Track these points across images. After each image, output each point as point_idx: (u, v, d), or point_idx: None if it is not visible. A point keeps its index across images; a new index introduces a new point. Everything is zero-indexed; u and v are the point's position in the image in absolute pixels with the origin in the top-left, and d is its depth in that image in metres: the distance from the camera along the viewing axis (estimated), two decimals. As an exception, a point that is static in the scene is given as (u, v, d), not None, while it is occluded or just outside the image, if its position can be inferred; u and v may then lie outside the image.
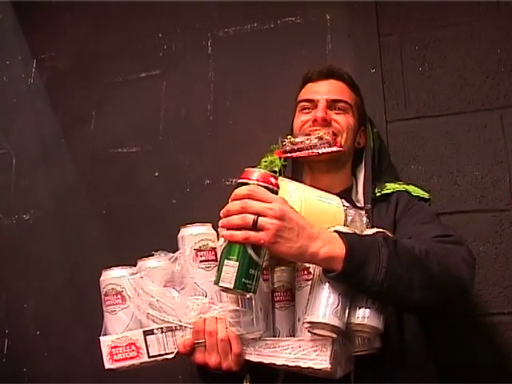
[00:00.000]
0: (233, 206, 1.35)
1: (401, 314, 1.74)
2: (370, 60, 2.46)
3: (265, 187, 1.36)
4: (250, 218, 1.31)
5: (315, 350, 1.39)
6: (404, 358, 1.74)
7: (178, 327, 1.49)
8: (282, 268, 1.54)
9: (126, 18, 2.88)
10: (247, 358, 1.46)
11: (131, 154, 2.69)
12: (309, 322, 1.38)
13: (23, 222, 2.74)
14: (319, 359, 1.38)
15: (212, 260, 1.51)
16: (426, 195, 1.95)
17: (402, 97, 2.41)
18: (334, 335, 1.37)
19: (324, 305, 1.37)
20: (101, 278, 1.58)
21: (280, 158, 2.00)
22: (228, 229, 1.35)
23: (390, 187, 1.93)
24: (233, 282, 1.33)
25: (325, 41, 2.54)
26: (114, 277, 1.57)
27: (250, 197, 1.34)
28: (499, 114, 2.29)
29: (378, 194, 1.92)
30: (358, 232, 1.51)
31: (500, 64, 2.33)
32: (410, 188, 1.94)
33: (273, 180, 1.38)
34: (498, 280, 2.14)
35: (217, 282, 1.35)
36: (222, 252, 1.36)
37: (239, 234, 1.32)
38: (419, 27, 2.45)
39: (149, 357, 1.51)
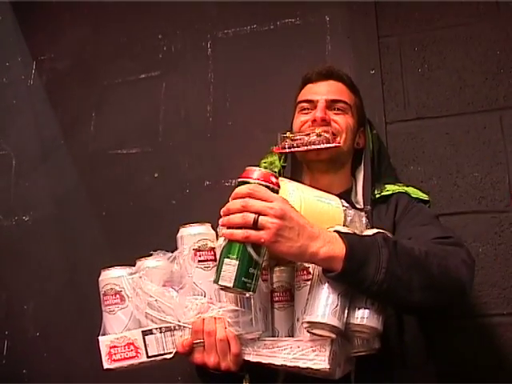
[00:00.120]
0: (233, 204, 1.35)
1: (400, 315, 1.74)
2: (369, 61, 2.46)
3: (265, 186, 1.36)
4: (251, 216, 1.31)
5: (314, 351, 1.39)
6: (404, 359, 1.74)
7: (177, 327, 1.49)
8: (282, 268, 1.54)
9: (126, 19, 2.88)
10: (246, 358, 1.46)
11: (131, 155, 2.69)
12: (308, 322, 1.38)
13: (23, 224, 2.74)
14: (318, 359, 1.38)
15: (211, 260, 1.51)
16: (425, 197, 1.95)
17: (401, 98, 2.41)
18: (333, 335, 1.37)
19: (323, 305, 1.37)
20: (100, 278, 1.58)
21: (281, 156, 2.00)
22: (228, 227, 1.35)
23: (390, 189, 1.93)
24: (232, 281, 1.32)
25: (324, 42, 2.55)
26: (112, 277, 1.57)
27: (250, 196, 1.34)
28: (499, 115, 2.29)
29: (378, 196, 1.92)
30: (357, 232, 1.52)
31: (499, 65, 2.34)
32: (410, 190, 1.95)
33: (273, 179, 1.38)
34: (497, 281, 2.14)
35: (216, 281, 1.35)
36: (222, 251, 1.36)
37: (239, 233, 1.32)
38: (419, 28, 2.45)
39: (147, 357, 1.51)
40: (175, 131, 2.67)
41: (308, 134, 1.89)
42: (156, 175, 2.62)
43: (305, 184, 1.80)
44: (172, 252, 1.57)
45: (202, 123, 2.63)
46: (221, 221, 1.38)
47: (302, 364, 1.40)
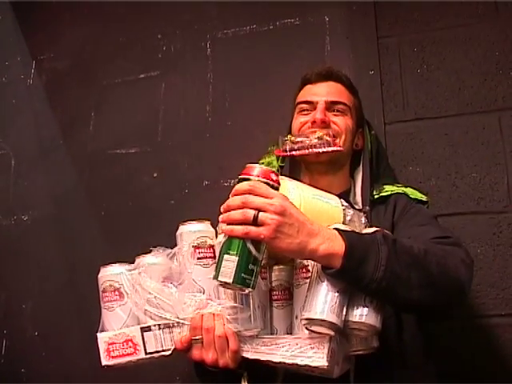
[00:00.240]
0: (233, 201, 1.35)
1: (400, 315, 1.74)
2: (368, 62, 2.47)
3: (266, 183, 1.36)
4: (251, 213, 1.32)
5: (312, 348, 1.39)
6: (403, 359, 1.73)
7: (176, 324, 1.49)
8: (281, 267, 1.54)
9: (125, 19, 2.89)
10: (244, 355, 1.46)
11: (130, 154, 2.69)
12: (306, 319, 1.38)
13: (22, 223, 2.74)
14: (316, 357, 1.38)
15: (210, 257, 1.51)
16: (424, 198, 1.95)
17: (400, 99, 2.41)
18: (332, 332, 1.37)
19: (322, 302, 1.37)
20: (99, 275, 1.59)
21: (279, 157, 2.00)
22: (228, 224, 1.35)
23: (388, 189, 1.93)
24: (232, 277, 1.32)
25: (323, 42, 2.55)
26: (112, 273, 1.57)
27: (250, 192, 1.34)
28: (497, 116, 2.29)
29: (376, 196, 1.92)
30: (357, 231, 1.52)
31: (498, 66, 2.34)
32: (408, 190, 1.95)
33: (274, 176, 1.39)
34: (495, 282, 2.15)
35: (216, 277, 1.35)
36: (222, 247, 1.37)
37: (239, 229, 1.32)
38: (418, 29, 2.46)
39: (146, 353, 1.51)
40: (174, 131, 2.67)
41: (308, 137, 1.90)
42: (155, 175, 2.62)
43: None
44: (171, 249, 1.57)
45: (201, 123, 2.63)
46: (221, 217, 1.38)
47: (300, 361, 1.40)
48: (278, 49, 2.62)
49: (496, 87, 2.32)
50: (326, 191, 1.72)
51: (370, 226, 1.66)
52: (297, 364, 1.40)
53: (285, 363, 1.42)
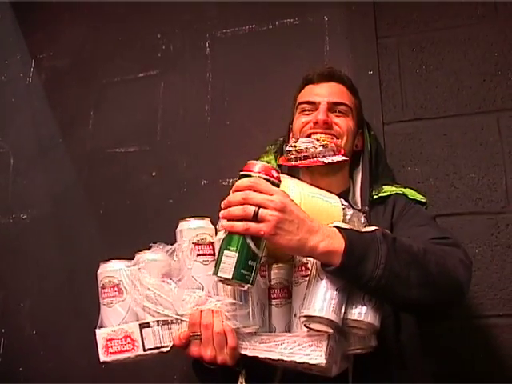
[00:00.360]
0: (234, 197, 1.36)
1: (398, 315, 1.74)
2: (367, 62, 2.47)
3: (266, 180, 1.37)
4: (251, 209, 1.32)
5: (311, 346, 1.39)
6: (401, 359, 1.74)
7: (174, 320, 1.49)
8: (280, 265, 1.55)
9: (125, 18, 2.89)
10: (243, 352, 1.46)
11: (129, 153, 2.69)
12: (305, 316, 1.38)
13: (20, 222, 2.74)
14: (314, 355, 1.38)
15: (210, 254, 1.52)
16: (422, 199, 1.95)
17: (399, 99, 2.41)
18: (330, 330, 1.37)
19: (321, 299, 1.37)
20: (98, 271, 1.59)
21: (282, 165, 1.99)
22: (229, 219, 1.36)
23: (387, 190, 1.93)
24: (231, 273, 1.33)
25: (323, 42, 2.55)
26: (111, 269, 1.57)
27: (251, 188, 1.35)
28: (496, 116, 2.29)
29: (376, 197, 1.92)
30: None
31: (497, 67, 2.34)
32: (407, 191, 1.95)
33: (274, 173, 1.39)
34: (493, 282, 2.15)
35: (215, 273, 1.35)
36: (222, 243, 1.37)
37: (240, 225, 1.33)
38: (417, 30, 2.46)
39: (144, 350, 1.51)
40: (173, 130, 2.67)
41: (308, 137, 1.90)
42: (154, 174, 2.62)
43: (303, 183, 1.80)
44: (171, 246, 1.58)
45: (199, 122, 2.63)
46: (221, 213, 1.38)
47: (298, 359, 1.40)
48: (277, 49, 2.62)
49: (495, 88, 2.32)
50: (325, 191, 1.72)
51: (370, 226, 1.66)
52: (295, 361, 1.40)
53: (283, 361, 1.42)
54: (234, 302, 1.45)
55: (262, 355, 1.45)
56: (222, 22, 2.73)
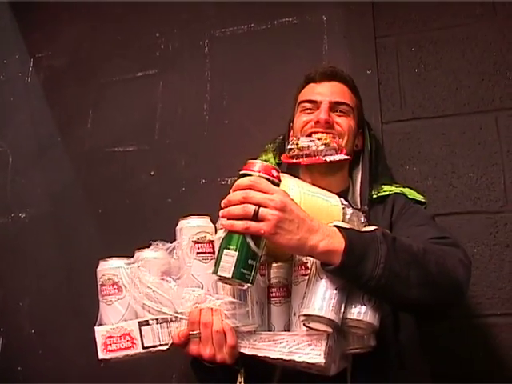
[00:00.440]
0: (234, 196, 1.36)
1: (397, 314, 1.74)
2: (366, 61, 2.47)
3: (266, 179, 1.37)
4: (251, 208, 1.32)
5: (310, 345, 1.40)
6: (400, 359, 1.74)
7: (174, 319, 1.50)
8: (279, 264, 1.55)
9: (123, 18, 2.89)
10: (242, 350, 1.46)
11: (127, 153, 2.69)
12: (305, 315, 1.38)
13: (19, 221, 2.74)
14: (313, 354, 1.39)
15: (209, 253, 1.52)
16: (421, 198, 1.96)
17: (397, 98, 2.41)
18: (330, 329, 1.37)
19: (321, 298, 1.37)
20: (97, 269, 1.59)
21: (282, 163, 1.99)
22: (229, 218, 1.36)
23: (387, 189, 1.94)
24: (231, 272, 1.33)
25: (321, 42, 2.55)
26: (110, 267, 1.58)
27: (251, 187, 1.35)
28: (494, 116, 2.29)
29: (375, 196, 1.93)
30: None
31: (495, 66, 2.34)
32: (407, 191, 1.96)
33: (274, 172, 1.39)
34: (491, 281, 2.15)
35: (215, 272, 1.35)
36: (222, 242, 1.37)
37: (240, 224, 1.33)
38: (415, 29, 2.46)
39: (143, 348, 1.51)
40: (172, 129, 2.67)
41: (309, 135, 1.91)
42: (152, 173, 2.62)
43: (302, 183, 1.80)
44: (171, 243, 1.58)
45: (198, 121, 2.63)
46: (221, 212, 1.38)
47: (297, 358, 1.40)
48: (276, 48, 2.62)
49: (493, 87, 2.32)
50: (325, 190, 1.72)
51: (369, 226, 1.67)
52: (294, 360, 1.41)
53: (282, 359, 1.43)
54: (234, 300, 1.45)
55: (261, 354, 1.45)
56: (220, 22, 2.73)
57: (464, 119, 2.32)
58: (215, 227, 1.57)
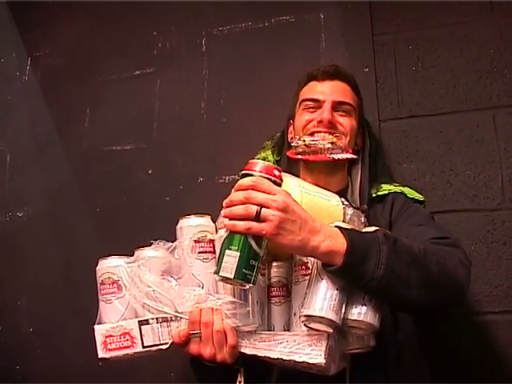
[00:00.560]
0: (236, 196, 1.36)
1: (396, 314, 1.75)
2: (363, 59, 2.47)
3: (268, 179, 1.37)
4: (253, 208, 1.32)
5: (310, 345, 1.40)
6: (399, 358, 1.74)
7: (174, 318, 1.50)
8: (279, 263, 1.55)
9: (121, 16, 2.88)
10: (242, 350, 1.47)
11: (125, 151, 2.69)
12: (305, 316, 1.38)
13: (17, 219, 2.74)
14: (314, 354, 1.39)
15: (210, 252, 1.52)
16: (421, 197, 1.96)
17: (395, 96, 2.41)
18: (330, 330, 1.38)
19: (321, 299, 1.37)
20: (97, 267, 1.59)
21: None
22: (230, 219, 1.36)
23: (386, 188, 1.94)
24: (233, 272, 1.33)
25: (319, 40, 2.55)
26: (110, 266, 1.58)
27: (253, 188, 1.35)
28: (492, 113, 2.29)
29: (374, 195, 1.93)
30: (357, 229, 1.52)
31: (493, 64, 2.34)
32: (406, 190, 1.96)
33: (276, 172, 1.40)
34: (489, 279, 2.15)
35: (217, 272, 1.36)
36: (223, 242, 1.37)
37: (242, 224, 1.33)
38: (413, 27, 2.46)
39: (143, 347, 1.51)
40: (169, 128, 2.67)
41: (311, 135, 1.91)
42: (150, 171, 2.62)
43: (301, 181, 1.80)
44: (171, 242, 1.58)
45: (196, 120, 2.63)
46: (223, 212, 1.38)
47: (297, 358, 1.40)
48: (273, 46, 2.62)
49: (491, 85, 2.32)
50: (324, 189, 1.72)
51: (369, 225, 1.67)
52: (294, 361, 1.41)
53: (282, 359, 1.43)
54: (234, 300, 1.45)
55: (261, 354, 1.45)
56: (217, 20, 2.73)
57: (461, 117, 2.32)
58: (215, 226, 1.57)
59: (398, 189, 1.95)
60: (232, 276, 1.33)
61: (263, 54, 2.63)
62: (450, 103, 2.35)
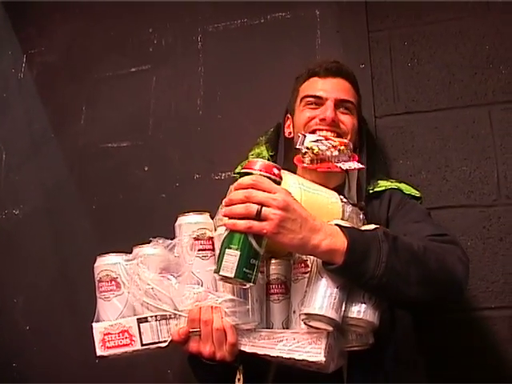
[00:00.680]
0: (236, 195, 1.36)
1: (393, 311, 1.75)
2: (359, 56, 2.47)
3: (267, 178, 1.37)
4: (254, 207, 1.32)
5: (310, 343, 1.40)
6: (396, 355, 1.75)
7: (173, 316, 1.50)
8: (278, 261, 1.55)
9: (116, 13, 2.88)
10: (242, 348, 1.47)
11: (121, 148, 2.69)
12: (305, 314, 1.39)
13: (13, 217, 2.74)
14: (314, 352, 1.39)
15: (209, 249, 1.52)
16: (418, 194, 1.96)
17: (390, 92, 2.41)
18: (330, 328, 1.38)
19: (321, 297, 1.38)
20: (95, 264, 1.58)
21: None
22: (230, 218, 1.36)
23: (383, 185, 1.94)
24: (234, 272, 1.33)
25: (314, 36, 2.55)
26: (108, 263, 1.57)
27: (253, 187, 1.35)
28: (487, 109, 2.30)
29: (371, 191, 1.93)
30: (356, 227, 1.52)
31: (488, 60, 2.34)
32: (403, 186, 1.95)
33: (275, 171, 1.39)
34: (485, 275, 2.15)
35: (217, 271, 1.36)
36: (224, 241, 1.37)
37: (242, 223, 1.33)
38: (408, 23, 2.46)
39: (142, 345, 1.51)
40: (165, 125, 2.67)
41: (313, 132, 1.90)
42: (146, 169, 2.62)
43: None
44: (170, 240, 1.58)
45: (192, 117, 2.63)
46: (223, 211, 1.38)
47: (297, 356, 1.41)
48: (269, 42, 2.62)
49: (486, 81, 2.33)
50: (322, 186, 1.72)
51: (367, 222, 1.67)
52: (294, 359, 1.41)
53: (282, 358, 1.43)
54: (234, 298, 1.45)
55: (261, 352, 1.46)
56: (213, 17, 2.72)
57: (457, 113, 2.33)
58: (214, 223, 1.57)
59: (395, 185, 1.94)
60: (232, 275, 1.33)
61: (259, 51, 2.63)
62: (445, 99, 2.35)
